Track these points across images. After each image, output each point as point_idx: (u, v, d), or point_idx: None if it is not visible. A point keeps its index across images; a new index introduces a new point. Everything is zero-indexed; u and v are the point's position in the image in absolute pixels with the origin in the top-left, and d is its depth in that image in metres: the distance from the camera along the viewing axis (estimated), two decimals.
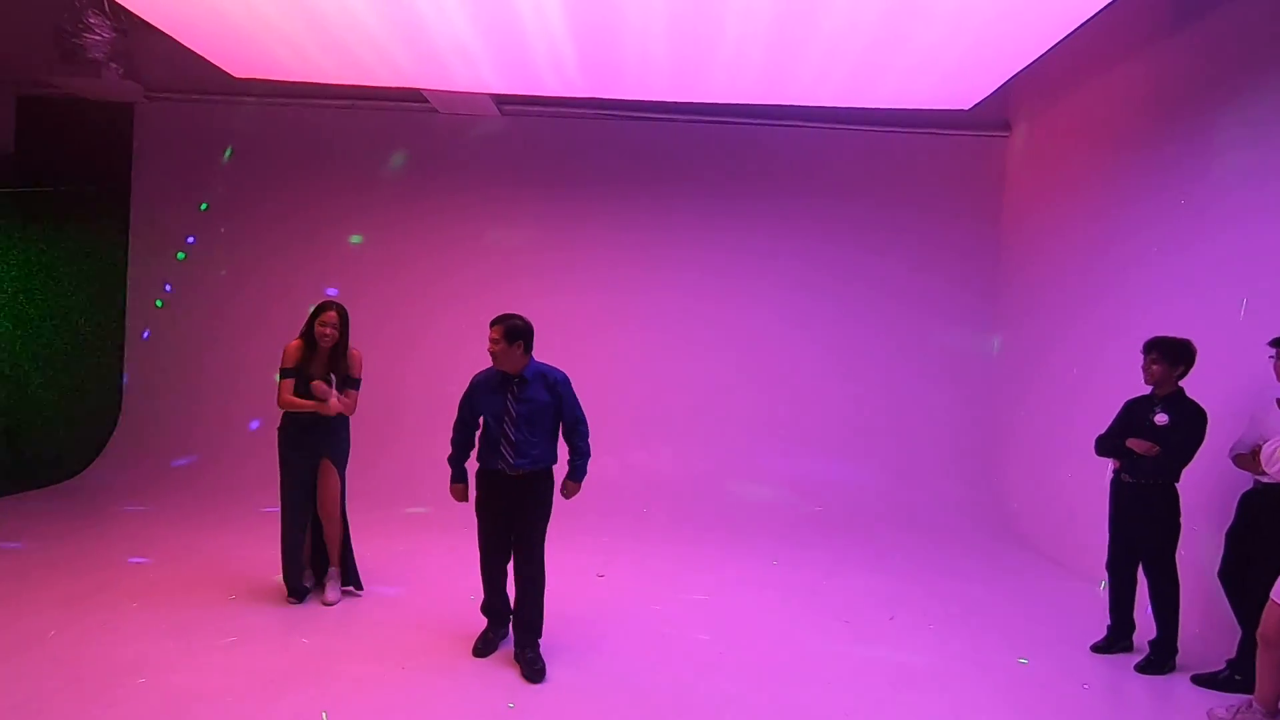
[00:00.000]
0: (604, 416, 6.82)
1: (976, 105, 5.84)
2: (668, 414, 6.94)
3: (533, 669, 3.36)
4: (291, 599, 4.02)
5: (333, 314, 3.96)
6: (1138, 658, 3.79)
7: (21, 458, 6.73)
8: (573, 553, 5.16)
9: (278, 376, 3.95)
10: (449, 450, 3.63)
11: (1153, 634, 3.75)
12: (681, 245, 7.03)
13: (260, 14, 4.77)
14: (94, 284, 7.17)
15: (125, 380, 7.15)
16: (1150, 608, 3.77)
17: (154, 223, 7.18)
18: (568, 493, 3.63)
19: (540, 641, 3.48)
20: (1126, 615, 3.94)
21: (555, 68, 5.45)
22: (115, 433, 7.01)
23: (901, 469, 6.77)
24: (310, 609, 4.01)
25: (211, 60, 5.73)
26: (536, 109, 6.89)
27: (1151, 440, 3.68)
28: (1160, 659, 3.72)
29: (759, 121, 6.87)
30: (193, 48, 5.49)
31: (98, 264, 7.18)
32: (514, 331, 3.41)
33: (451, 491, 3.63)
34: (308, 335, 3.97)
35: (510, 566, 3.59)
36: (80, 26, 6.38)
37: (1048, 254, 6.21)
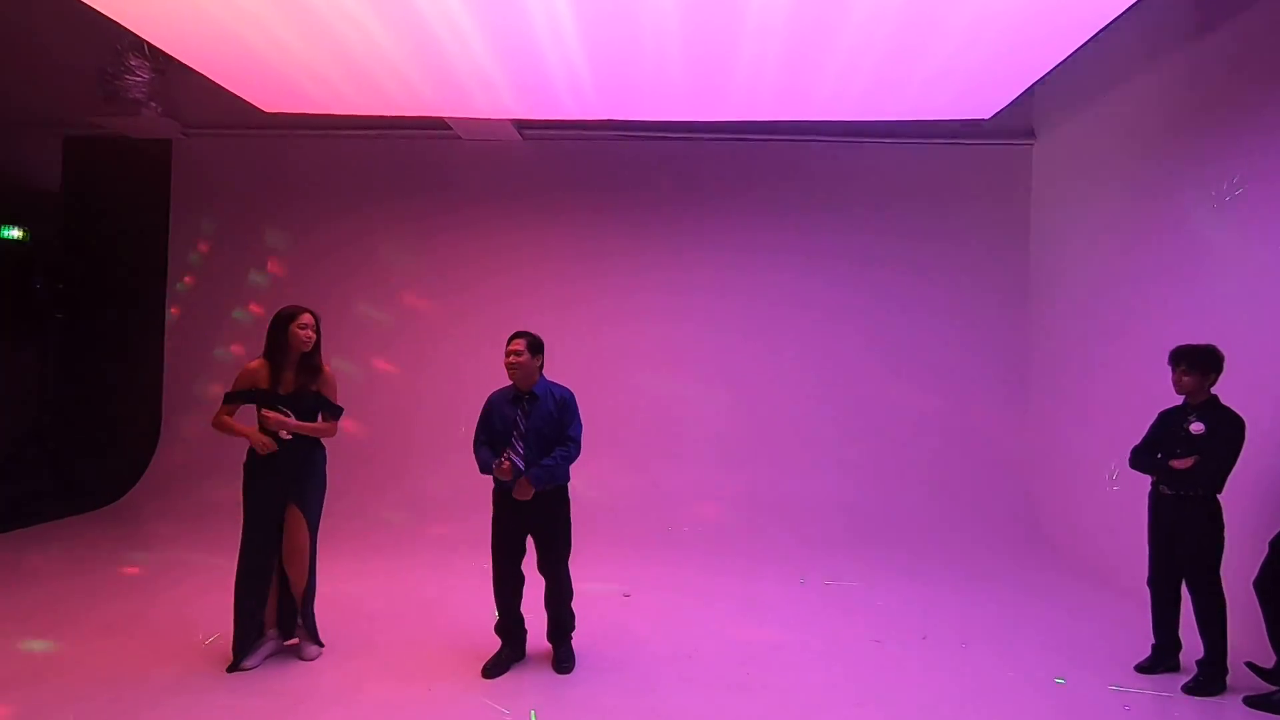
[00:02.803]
0: (628, 436, 6.90)
1: (997, 114, 5.79)
2: (696, 432, 6.91)
3: (562, 664, 3.55)
4: (230, 669, 3.43)
5: (309, 315, 3.56)
6: (1185, 678, 3.64)
7: (68, 482, 6.95)
8: (599, 571, 5.16)
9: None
10: (474, 466, 3.57)
11: (1200, 653, 3.60)
12: (704, 263, 7.03)
13: (288, 50, 4.94)
14: (133, 309, 7.42)
15: (164, 407, 7.35)
16: (1196, 626, 3.62)
17: (191, 253, 7.41)
18: (518, 492, 3.42)
19: (572, 637, 3.66)
20: (1171, 633, 3.79)
21: (574, 91, 5.54)
22: (154, 458, 7.19)
23: (932, 484, 6.64)
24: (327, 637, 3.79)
25: (243, 96, 5.94)
26: (556, 132, 7.00)
27: (1187, 450, 3.57)
28: (1209, 679, 3.56)
29: (777, 138, 6.89)
30: (225, 85, 5.70)
31: (136, 290, 7.43)
32: (535, 344, 3.53)
33: (497, 473, 3.44)
34: (273, 350, 3.52)
35: (525, 588, 3.64)
36: (121, 69, 6.70)
37: (1077, 262, 6.08)
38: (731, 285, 7.01)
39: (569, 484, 3.63)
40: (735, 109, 5.85)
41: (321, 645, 3.69)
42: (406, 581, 4.89)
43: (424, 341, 7.08)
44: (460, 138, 7.07)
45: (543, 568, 3.59)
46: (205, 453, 7.04)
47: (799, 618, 4.46)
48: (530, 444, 3.47)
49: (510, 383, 3.60)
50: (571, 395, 3.61)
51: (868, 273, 6.93)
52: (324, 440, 3.68)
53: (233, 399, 3.53)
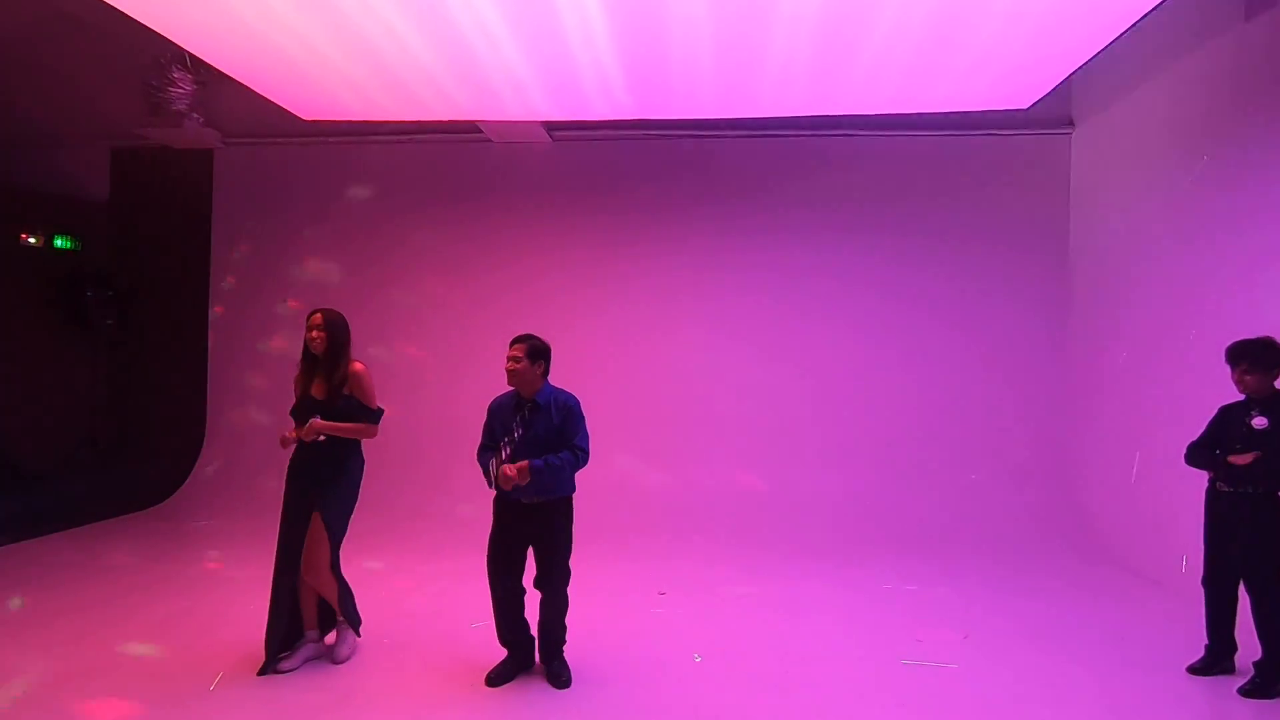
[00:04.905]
0: (660, 436, 6.90)
1: (1036, 103, 5.67)
2: (728, 431, 6.88)
3: (557, 679, 3.40)
4: (261, 671, 3.42)
5: (318, 316, 3.48)
6: (1241, 680, 3.53)
7: (118, 483, 7.18)
8: (632, 569, 5.18)
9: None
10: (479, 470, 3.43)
11: (1257, 654, 3.49)
12: (736, 260, 7.00)
13: (326, 59, 5.04)
14: (179, 315, 7.63)
15: (209, 410, 7.55)
16: (1253, 627, 3.51)
17: (233, 258, 7.61)
18: (505, 480, 3.24)
19: (564, 650, 3.50)
20: (1227, 634, 3.67)
21: (604, 92, 5.56)
22: (199, 460, 7.40)
23: (972, 481, 6.52)
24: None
25: (282, 105, 6.07)
26: (587, 133, 7.03)
27: (1248, 445, 3.46)
28: (1267, 682, 3.45)
29: (810, 133, 6.83)
30: (266, 94, 5.84)
31: (181, 297, 7.65)
32: (536, 351, 3.36)
33: (500, 480, 3.26)
34: (304, 356, 3.55)
35: (527, 596, 3.49)
36: (165, 81, 6.91)
37: (1120, 254, 5.93)
38: (763, 283, 6.96)
39: (573, 496, 3.45)
40: (767, 105, 5.82)
41: (350, 650, 3.63)
42: (441, 578, 4.94)
43: (459, 343, 7.15)
44: (491, 141, 7.13)
45: (540, 582, 3.41)
46: (249, 453, 7.23)
47: (837, 616, 4.42)
48: (525, 456, 3.26)
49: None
50: (576, 402, 3.41)
51: (902, 268, 6.83)
52: (364, 441, 3.59)
53: (292, 413, 3.55)
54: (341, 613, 3.62)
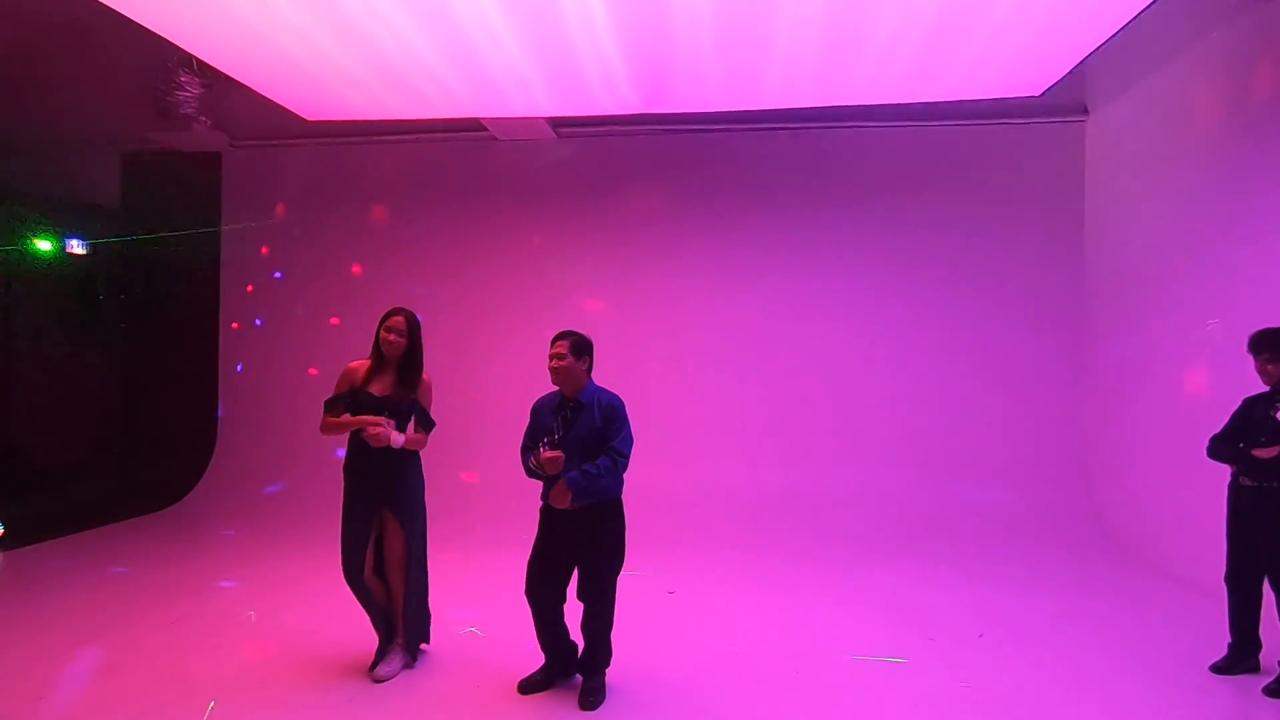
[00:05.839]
0: (672, 433, 6.85)
1: (1048, 90, 5.55)
2: (741, 428, 6.82)
3: (586, 699, 3.21)
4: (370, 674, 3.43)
5: (399, 319, 3.41)
6: (1266, 679, 3.43)
7: (134, 484, 7.25)
8: (641, 567, 5.13)
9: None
10: (520, 472, 3.35)
11: None
12: (746, 255, 6.93)
13: (328, 58, 5.03)
14: (189, 318, 7.69)
15: (220, 412, 7.60)
16: (1278, 624, 3.41)
17: (242, 260, 7.64)
18: (554, 498, 3.15)
19: (606, 672, 3.34)
20: (1251, 633, 3.57)
21: (608, 87, 5.51)
22: (211, 462, 7.45)
23: (985, 476, 6.43)
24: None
25: (286, 106, 6.07)
26: (591, 129, 6.98)
27: (1273, 438, 3.36)
28: None
29: (816, 125, 6.74)
30: (268, 95, 5.84)
31: (192, 300, 7.70)
32: (580, 346, 3.24)
33: (546, 465, 3.12)
34: (375, 350, 3.44)
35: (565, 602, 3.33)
36: (172, 85, 6.93)
37: (1137, 243, 5.80)
38: (774, 277, 6.89)
39: (621, 498, 3.28)
40: (773, 97, 5.74)
41: (412, 660, 3.53)
42: (471, 581, 4.92)
43: (469, 342, 7.13)
44: (496, 139, 7.10)
45: (584, 593, 3.24)
46: (260, 454, 7.27)
47: (849, 615, 4.36)
48: (568, 457, 3.14)
49: (555, 388, 3.32)
50: (620, 403, 3.25)
51: (914, 259, 6.73)
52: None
53: (332, 404, 3.39)
54: (404, 630, 3.50)
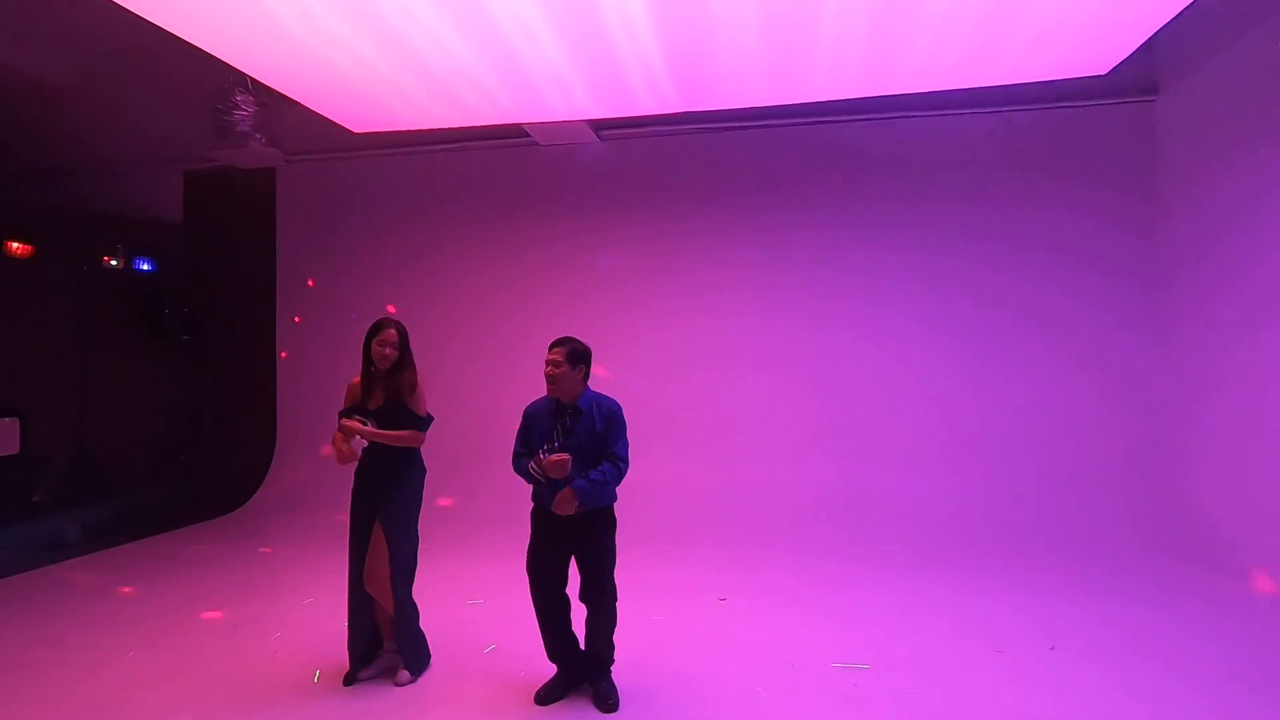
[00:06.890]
0: (716, 438, 6.71)
1: (1115, 69, 5.24)
2: (789, 430, 6.64)
3: (604, 701, 3.23)
4: (345, 680, 3.48)
5: (392, 331, 3.45)
6: None
7: (195, 492, 7.51)
8: (692, 575, 5.03)
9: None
10: (516, 476, 3.32)
11: None
12: (791, 253, 6.76)
13: (371, 68, 5.10)
14: (251, 330, 7.93)
15: (278, 418, 7.81)
16: None
17: (297, 271, 7.86)
18: (559, 506, 3.13)
19: (612, 670, 3.36)
20: None
21: (650, 87, 5.44)
22: (270, 470, 7.65)
23: (1059, 481, 6.08)
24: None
25: (334, 119, 6.20)
26: (634, 130, 6.92)
27: None
28: None
29: (860, 117, 6.53)
30: (315, 109, 5.97)
31: (254, 313, 7.95)
32: (576, 355, 3.23)
33: (551, 469, 3.08)
34: (365, 364, 3.49)
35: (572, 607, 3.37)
36: (230, 104, 7.19)
37: (1215, 230, 5.42)
38: (821, 274, 6.69)
39: (614, 506, 3.31)
40: (818, 89, 5.57)
41: (412, 675, 3.51)
42: (484, 587, 4.92)
43: (511, 351, 7.15)
44: (539, 144, 7.11)
45: (585, 595, 3.27)
46: (318, 463, 7.44)
47: (909, 625, 4.16)
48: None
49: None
50: (619, 409, 3.27)
51: (972, 254, 6.44)
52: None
53: (346, 416, 3.44)
54: (396, 638, 3.50)
